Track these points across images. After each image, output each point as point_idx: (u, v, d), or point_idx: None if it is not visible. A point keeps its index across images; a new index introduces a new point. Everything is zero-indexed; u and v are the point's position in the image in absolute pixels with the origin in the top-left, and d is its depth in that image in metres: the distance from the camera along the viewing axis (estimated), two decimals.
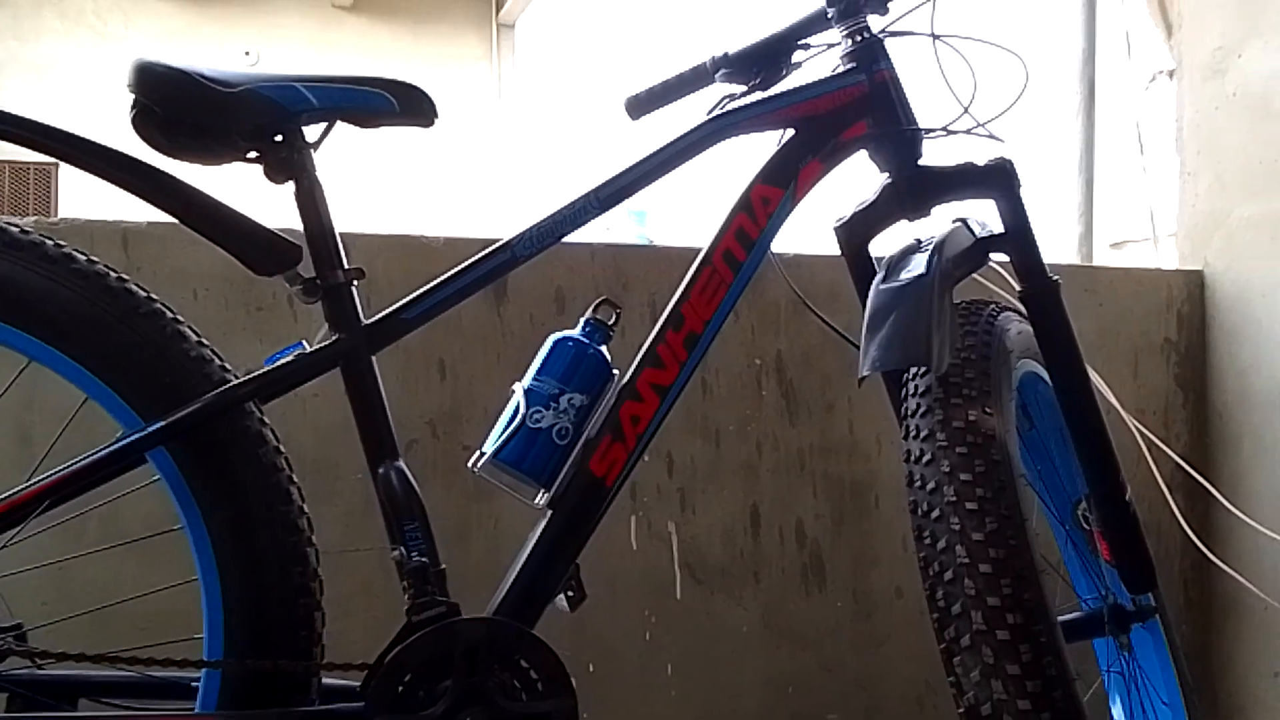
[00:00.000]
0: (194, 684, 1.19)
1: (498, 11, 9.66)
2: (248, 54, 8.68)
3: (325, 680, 1.22)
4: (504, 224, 9.09)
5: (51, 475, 1.13)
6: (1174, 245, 2.78)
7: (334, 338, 1.26)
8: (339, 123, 1.27)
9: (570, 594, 1.32)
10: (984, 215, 1.56)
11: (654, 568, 2.25)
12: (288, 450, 1.27)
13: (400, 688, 1.15)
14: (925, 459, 1.28)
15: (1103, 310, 2.57)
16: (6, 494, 1.13)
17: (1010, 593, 1.17)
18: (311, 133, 1.27)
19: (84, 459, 1.14)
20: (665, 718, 2.23)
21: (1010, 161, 1.47)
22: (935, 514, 1.23)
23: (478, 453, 1.32)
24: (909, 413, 1.33)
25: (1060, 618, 1.25)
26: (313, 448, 1.90)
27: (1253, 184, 2.51)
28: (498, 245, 1.35)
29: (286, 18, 9.10)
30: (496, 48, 9.54)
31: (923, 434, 1.30)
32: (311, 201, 1.27)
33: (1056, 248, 2.95)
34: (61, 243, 1.21)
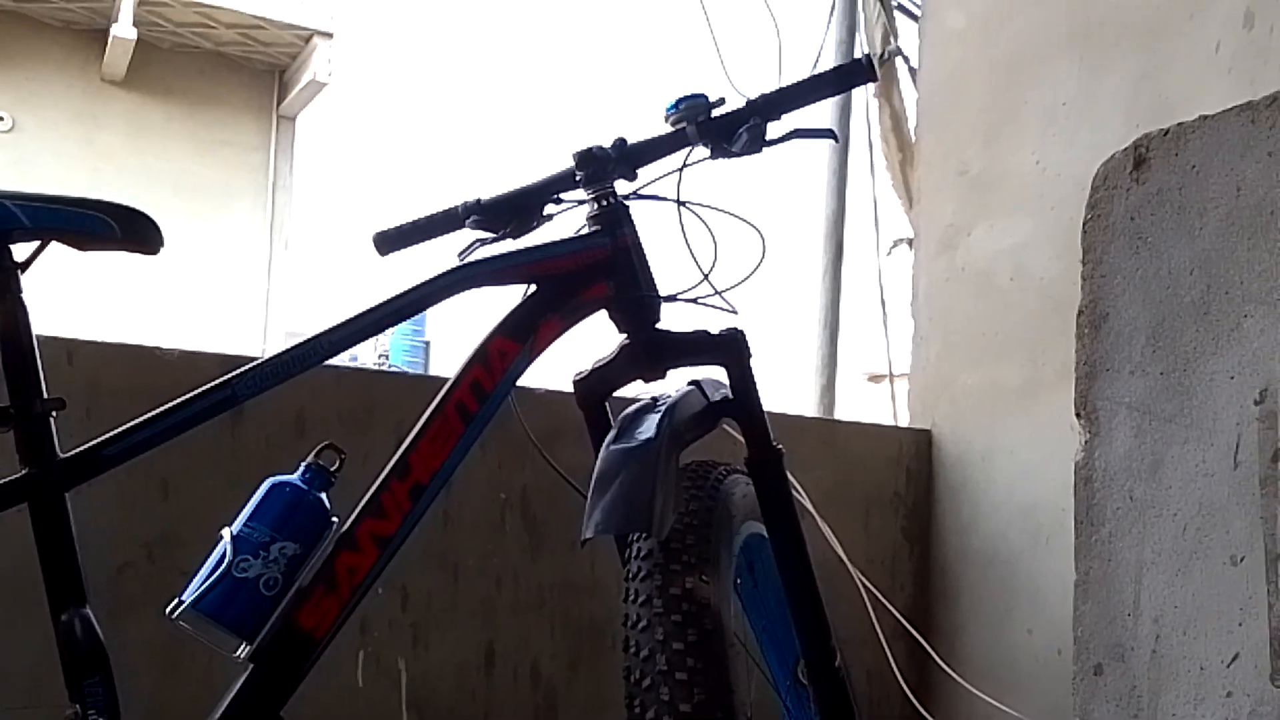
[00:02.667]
0: None
1: (278, 104, 9.50)
2: (1, 119, 8.21)
3: None
4: (263, 333, 8.78)
5: None
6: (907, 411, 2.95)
7: (23, 471, 1.17)
8: (53, 243, 1.21)
9: None
10: (719, 378, 1.62)
11: (380, 706, 2.17)
12: None
13: None
14: (640, 624, 1.29)
15: (839, 462, 2.69)
16: None
17: None
18: (21, 251, 1.20)
19: None
20: None
21: (742, 332, 1.53)
22: (646, 682, 1.24)
23: (176, 600, 1.25)
24: (629, 575, 1.35)
25: None
26: None
27: (976, 352, 2.71)
28: (217, 383, 1.30)
29: (50, 87, 8.65)
30: (275, 139, 9.35)
31: (640, 599, 1.31)
32: (14, 324, 1.19)
33: (800, 399, 3.08)
34: None
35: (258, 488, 1.33)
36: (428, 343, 8.64)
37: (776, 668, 1.71)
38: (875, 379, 4.98)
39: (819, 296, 3.06)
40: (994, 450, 2.62)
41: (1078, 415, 1.48)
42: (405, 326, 7.54)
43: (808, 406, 2.98)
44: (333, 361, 2.36)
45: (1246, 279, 1.28)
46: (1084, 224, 1.47)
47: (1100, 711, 1.34)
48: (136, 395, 2.11)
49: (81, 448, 1.21)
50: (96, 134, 8.56)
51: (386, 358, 8.09)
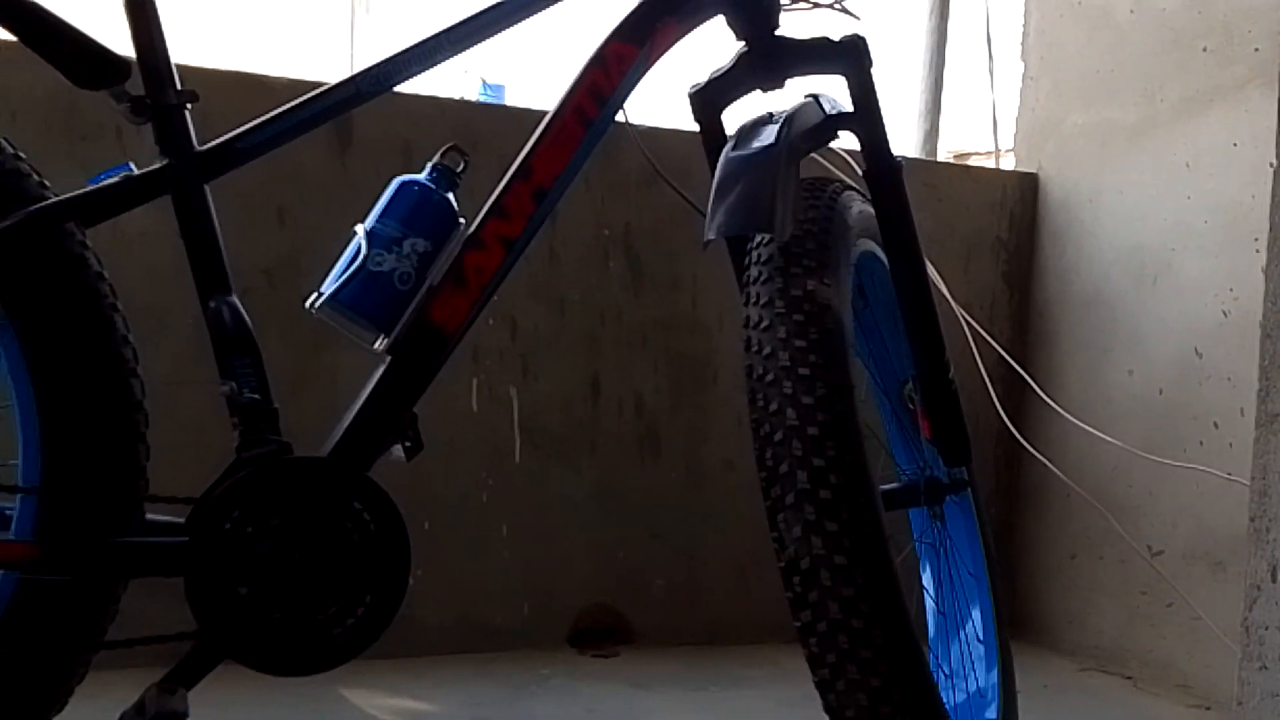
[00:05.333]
0: (7, 511, 1.14)
1: None
2: None
3: (149, 515, 1.18)
4: None
5: None
6: (1013, 155, 2.87)
7: (163, 162, 1.20)
8: None
9: (407, 445, 1.31)
10: (836, 95, 1.58)
11: (493, 431, 2.26)
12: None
13: (227, 524, 1.13)
14: (763, 324, 1.30)
15: (941, 205, 2.65)
16: None
17: (834, 455, 1.21)
18: None
19: None
20: (498, 578, 2.26)
21: (864, 39, 1.48)
22: (769, 378, 1.26)
23: (315, 293, 1.29)
24: (750, 280, 1.35)
25: (880, 487, 1.31)
26: (142, 291, 1.82)
27: (1088, 91, 2.61)
28: (340, 81, 1.30)
29: None
30: None
31: (762, 300, 1.32)
32: (143, 14, 1.19)
33: (901, 146, 3.00)
34: None
35: (385, 187, 1.34)
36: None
37: (881, 391, 1.74)
38: (961, 156, 4.84)
39: (924, 37, 2.95)
40: (1102, 191, 2.56)
41: None
42: (484, 93, 7.45)
43: (909, 152, 2.91)
44: (436, 94, 2.36)
45: None
46: None
47: None
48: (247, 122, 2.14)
49: (217, 141, 1.23)
50: None
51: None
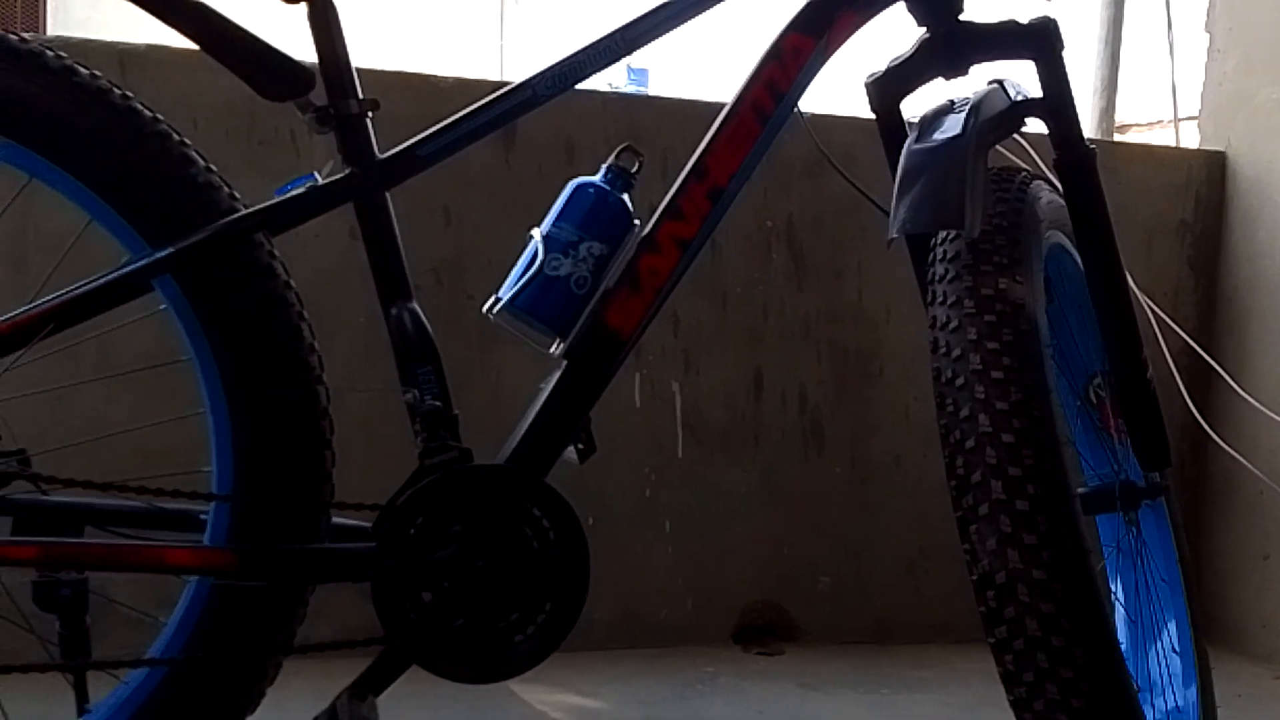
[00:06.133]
0: (202, 516, 1.17)
1: None
2: None
3: (334, 519, 1.20)
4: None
5: (56, 298, 1.08)
6: (1194, 128, 2.72)
7: (347, 171, 1.21)
8: None
9: (580, 446, 1.31)
10: (1021, 79, 1.51)
11: (656, 426, 2.25)
12: None
13: (411, 530, 1.14)
14: (951, 325, 1.24)
15: (1120, 188, 2.52)
16: (8, 315, 1.08)
17: (1031, 464, 1.15)
18: None
19: (90, 283, 1.10)
20: (661, 573, 2.25)
21: (1054, 21, 1.40)
22: (959, 381, 1.21)
23: (493, 298, 1.29)
24: (936, 278, 1.29)
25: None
26: (312, 290, 1.86)
27: None
28: (517, 84, 1.29)
29: None
30: None
31: (950, 300, 1.26)
32: (325, 24, 1.20)
33: None
34: (63, 54, 1.14)
35: (554, 196, 1.33)
36: None
37: (1065, 389, 1.66)
38: (1122, 129, 4.62)
39: (1100, 10, 2.81)
40: None
41: None
42: (630, 78, 7.46)
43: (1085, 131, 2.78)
44: (593, 87, 2.35)
45: None
46: None
47: None
48: (415, 124, 2.16)
49: (398, 148, 1.24)
50: None
51: None
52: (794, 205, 2.33)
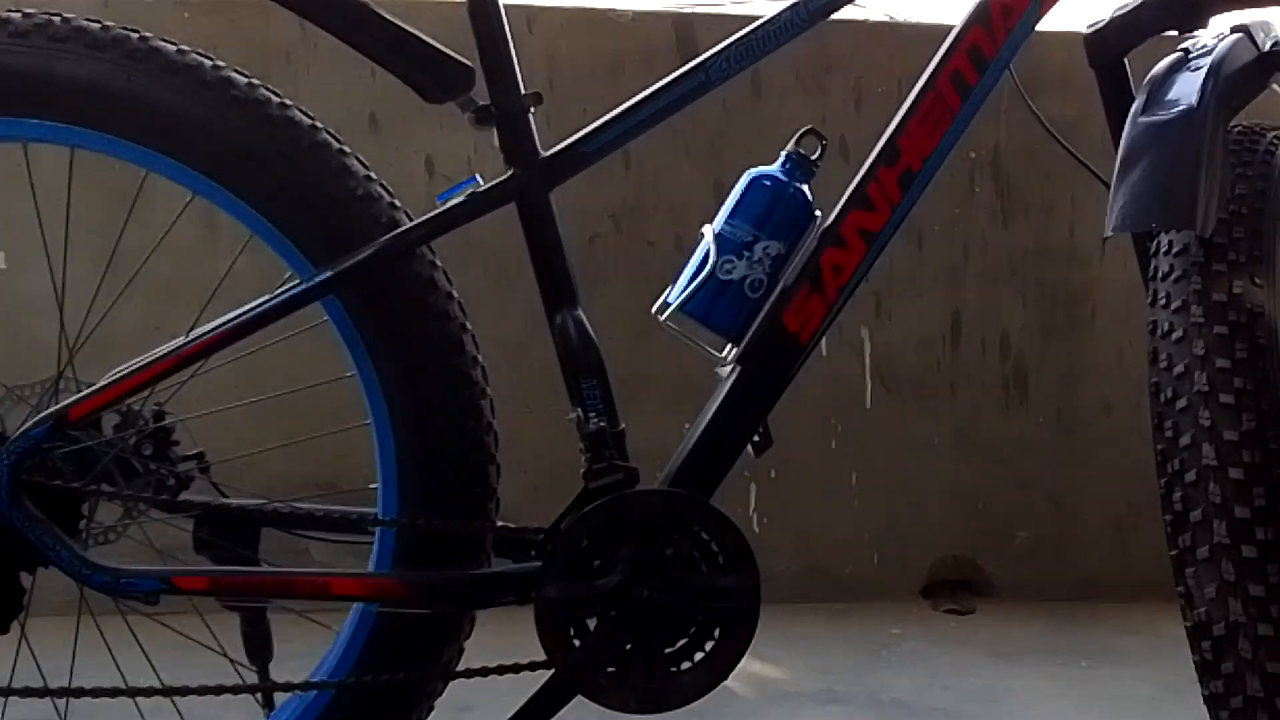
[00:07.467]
0: (353, 515, 1.16)
1: None
2: None
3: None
4: None
5: (221, 327, 1.07)
6: None
7: (509, 173, 1.14)
8: None
9: (756, 440, 1.24)
10: (1272, 24, 1.30)
11: (843, 376, 2.15)
12: None
13: (576, 554, 1.10)
14: (1174, 335, 1.10)
15: None
16: (195, 336, 1.08)
17: (1263, 504, 1.02)
18: None
19: (253, 309, 1.08)
20: (846, 527, 2.18)
21: None
22: (1181, 403, 1.08)
23: (662, 300, 1.21)
24: (1158, 274, 1.15)
25: None
26: None
27: None
28: (690, 67, 1.19)
29: None
30: None
31: (1174, 304, 1.12)
32: (486, 16, 1.12)
33: None
34: (220, 64, 1.11)
35: (736, 180, 1.23)
36: None
37: None
38: None
39: None
40: None
41: None
42: None
43: None
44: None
45: None
46: None
47: None
48: (594, 62, 2.08)
49: (561, 145, 1.16)
50: None
51: None
52: (1001, 133, 2.15)
